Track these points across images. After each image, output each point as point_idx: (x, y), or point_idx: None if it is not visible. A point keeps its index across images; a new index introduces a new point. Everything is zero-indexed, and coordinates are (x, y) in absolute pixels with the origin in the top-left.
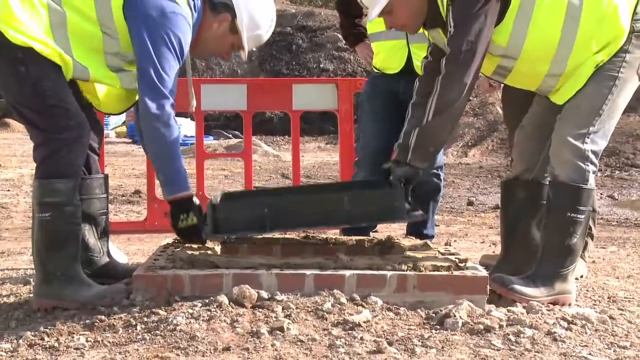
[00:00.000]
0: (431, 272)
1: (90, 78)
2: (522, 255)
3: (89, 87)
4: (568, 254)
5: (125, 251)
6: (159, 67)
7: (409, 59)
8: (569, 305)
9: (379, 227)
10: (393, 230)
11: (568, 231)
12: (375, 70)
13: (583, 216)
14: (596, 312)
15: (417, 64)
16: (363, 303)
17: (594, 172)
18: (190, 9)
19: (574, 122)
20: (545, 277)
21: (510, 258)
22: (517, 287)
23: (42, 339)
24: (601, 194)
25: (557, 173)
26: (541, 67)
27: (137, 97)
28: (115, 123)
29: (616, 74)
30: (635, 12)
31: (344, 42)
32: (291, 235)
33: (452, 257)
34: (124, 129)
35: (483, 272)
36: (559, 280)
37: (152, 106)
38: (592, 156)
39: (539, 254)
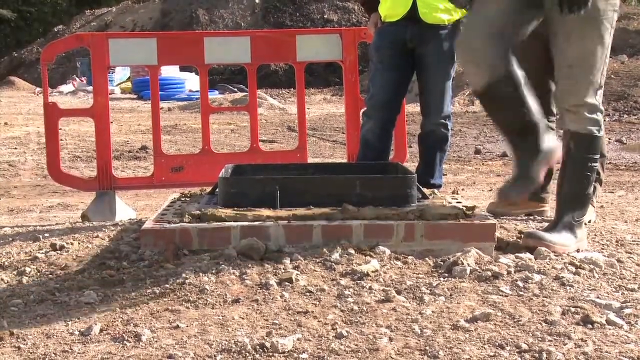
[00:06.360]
0: (439, 221)
1: None
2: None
3: None
4: (586, 202)
5: (133, 207)
6: None
7: (414, 5)
8: (578, 250)
9: None
10: None
11: (590, 180)
12: (383, 21)
13: (597, 163)
14: (604, 256)
15: (423, 12)
16: (371, 253)
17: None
18: None
19: (586, 83)
20: (568, 226)
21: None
22: (552, 238)
23: (54, 295)
24: (609, 138)
25: (575, 129)
26: None
27: None
28: (119, 79)
29: (602, 26)
30: None
31: None
32: None
33: (460, 205)
34: (128, 84)
35: (491, 220)
36: (579, 227)
37: None
38: (599, 103)
39: (561, 204)
